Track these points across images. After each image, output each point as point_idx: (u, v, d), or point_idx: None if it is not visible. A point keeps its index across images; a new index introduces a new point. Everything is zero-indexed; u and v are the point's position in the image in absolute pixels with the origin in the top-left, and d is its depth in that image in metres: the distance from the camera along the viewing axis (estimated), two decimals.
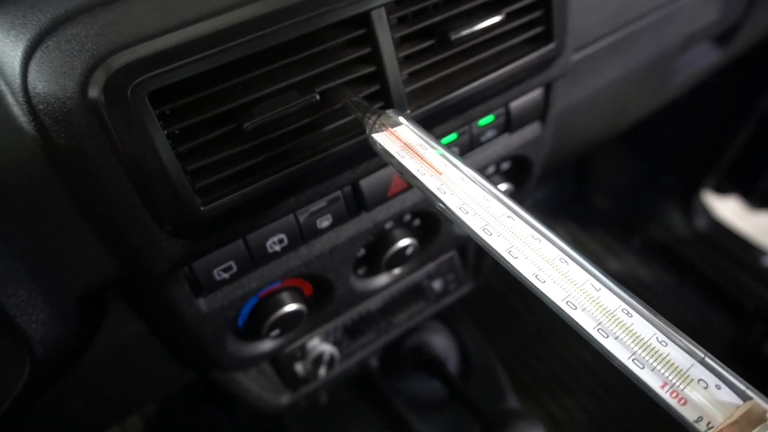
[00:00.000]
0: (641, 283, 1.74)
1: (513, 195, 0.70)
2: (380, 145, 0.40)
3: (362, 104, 0.42)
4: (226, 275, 0.50)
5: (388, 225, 0.63)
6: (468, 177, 0.37)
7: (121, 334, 0.56)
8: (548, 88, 0.63)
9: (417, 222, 0.66)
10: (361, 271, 0.66)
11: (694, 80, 1.04)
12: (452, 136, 0.58)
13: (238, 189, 0.42)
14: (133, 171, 0.39)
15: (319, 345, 0.81)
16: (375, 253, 0.63)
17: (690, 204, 1.76)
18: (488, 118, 0.59)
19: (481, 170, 0.64)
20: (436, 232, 0.67)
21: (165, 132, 0.38)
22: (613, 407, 1.50)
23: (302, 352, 0.80)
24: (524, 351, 1.62)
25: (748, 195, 1.71)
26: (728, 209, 1.77)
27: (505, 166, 0.69)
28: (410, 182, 0.38)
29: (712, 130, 1.63)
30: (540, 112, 0.64)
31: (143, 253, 0.43)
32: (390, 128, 0.40)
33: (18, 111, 0.37)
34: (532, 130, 0.66)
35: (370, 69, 0.45)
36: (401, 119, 0.40)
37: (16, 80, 0.37)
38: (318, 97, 0.43)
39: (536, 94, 0.62)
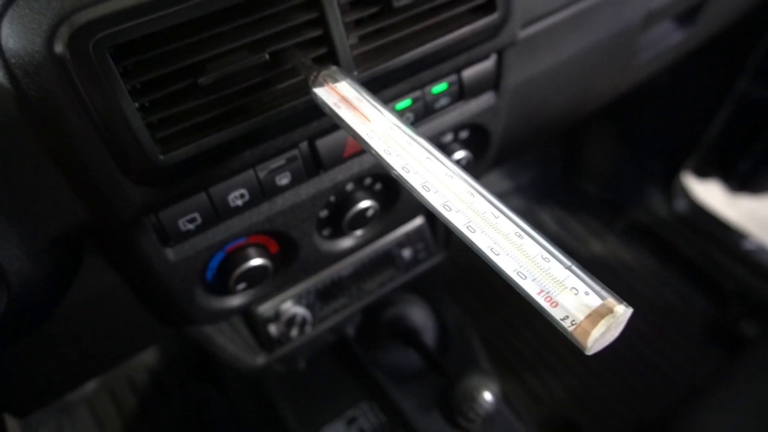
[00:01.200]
0: (624, 264, 1.79)
1: (472, 163, 0.74)
2: (320, 98, 0.44)
3: (308, 64, 0.46)
4: (191, 226, 0.54)
5: (350, 187, 0.67)
6: (394, 125, 0.41)
7: (97, 284, 0.61)
8: (500, 58, 0.66)
9: (378, 186, 0.70)
10: (325, 232, 0.71)
11: (663, 60, 1.08)
12: (407, 102, 0.62)
13: (195, 140, 0.47)
14: (98, 122, 0.43)
15: (291, 308, 0.85)
16: (337, 213, 0.67)
17: (671, 187, 1.79)
18: (441, 86, 0.63)
19: (437, 137, 0.68)
20: (396, 197, 0.72)
21: (127, 86, 0.43)
22: (592, 384, 1.54)
23: (276, 315, 0.85)
24: (507, 331, 1.67)
25: (728, 178, 1.74)
26: (709, 192, 1.81)
27: (464, 135, 0.73)
28: (345, 130, 0.42)
29: (692, 113, 1.66)
30: (493, 82, 0.68)
31: (110, 199, 0.47)
32: (331, 84, 0.44)
33: None
34: (486, 99, 0.69)
35: (318, 32, 0.49)
36: (342, 77, 0.44)
37: None
38: (267, 56, 0.47)
39: (488, 63, 0.66)
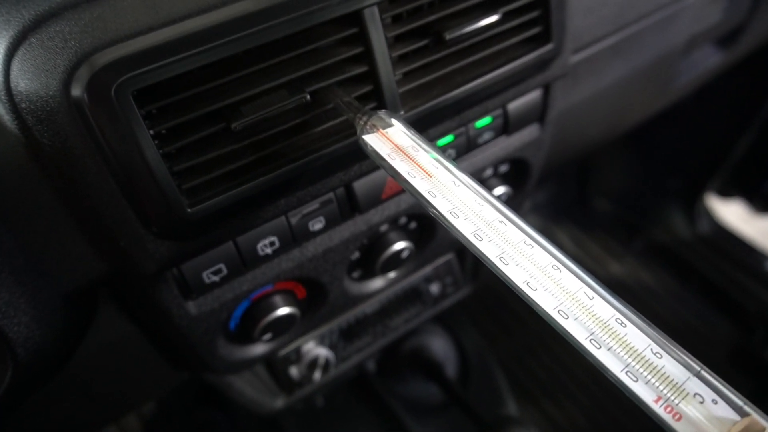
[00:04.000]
0: (643, 286, 1.73)
1: (511, 198, 0.69)
2: (371, 146, 0.39)
3: (354, 105, 0.41)
4: (215, 278, 0.49)
5: (383, 228, 0.62)
6: (460, 180, 0.36)
7: (112, 333, 0.56)
8: (547, 89, 0.62)
9: (413, 225, 0.65)
10: (355, 274, 0.65)
11: (697, 83, 1.03)
12: (449, 138, 0.57)
13: (227, 190, 0.41)
14: (118, 171, 0.38)
15: (314, 349, 0.80)
16: (370, 256, 0.62)
17: (693, 207, 1.74)
18: (485, 120, 0.58)
19: (478, 173, 0.63)
20: (432, 236, 0.66)
21: (151, 132, 0.38)
22: (613, 411, 1.48)
23: (297, 356, 0.79)
24: (526, 355, 1.61)
25: (751, 199, 1.70)
26: (731, 213, 1.76)
27: (503, 168, 0.68)
28: (401, 185, 0.37)
29: (715, 132, 1.61)
30: (538, 114, 0.63)
31: (130, 254, 0.42)
32: (381, 129, 0.39)
33: (0, 109, 0.37)
34: (530, 132, 0.64)
35: (363, 69, 0.44)
36: (393, 120, 0.39)
37: None
38: (309, 96, 0.42)
39: (534, 95, 0.61)
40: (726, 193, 1.74)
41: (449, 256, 0.85)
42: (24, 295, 0.40)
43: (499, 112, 0.59)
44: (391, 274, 0.68)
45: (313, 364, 0.79)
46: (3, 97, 0.36)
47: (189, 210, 0.40)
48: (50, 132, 0.36)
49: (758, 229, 1.72)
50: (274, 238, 0.50)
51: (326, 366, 0.80)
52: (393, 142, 0.38)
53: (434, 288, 0.87)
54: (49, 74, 0.35)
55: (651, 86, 0.88)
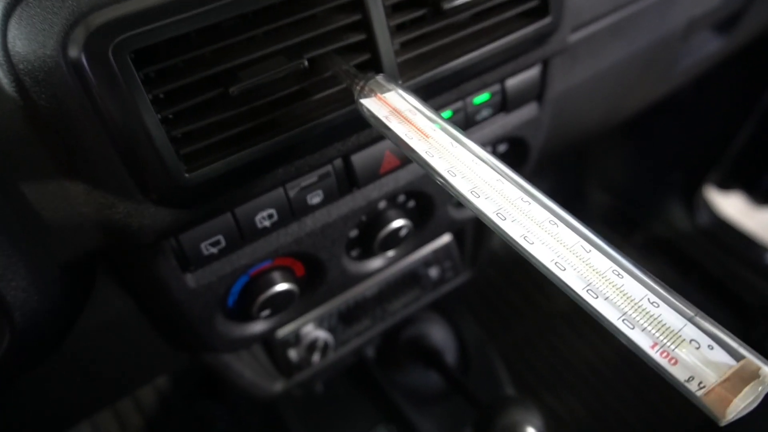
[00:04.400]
0: None
1: None
2: (368, 109, 0.39)
3: (352, 71, 0.41)
4: (214, 250, 0.49)
5: (382, 205, 0.62)
6: (456, 141, 0.36)
7: (110, 310, 0.56)
8: (545, 66, 0.62)
9: (411, 203, 0.65)
10: (354, 252, 0.65)
11: (696, 69, 1.03)
12: (447, 114, 0.57)
13: (225, 156, 0.41)
14: (116, 135, 0.38)
15: (313, 331, 0.80)
16: (368, 233, 0.62)
17: (693, 200, 1.74)
18: (484, 96, 0.58)
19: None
20: (431, 214, 0.66)
21: (149, 95, 0.38)
22: (613, 404, 1.48)
23: (296, 338, 0.79)
24: (525, 347, 1.61)
25: (751, 191, 1.70)
26: (731, 206, 1.76)
27: (502, 148, 0.68)
28: (398, 146, 0.37)
29: (715, 125, 1.61)
30: (537, 92, 0.63)
31: (128, 222, 0.42)
32: (379, 94, 0.39)
33: None
34: (528, 110, 0.64)
35: (361, 37, 0.44)
36: (391, 85, 0.39)
37: None
38: (306, 63, 0.42)
39: (533, 72, 0.61)
40: (726, 185, 1.74)
41: (448, 239, 0.85)
42: (21, 260, 0.39)
43: (497, 88, 0.59)
44: (390, 253, 0.68)
45: (312, 346, 0.79)
46: (1, 59, 0.36)
47: (187, 175, 0.40)
48: (48, 93, 0.36)
49: (759, 222, 1.72)
50: (272, 211, 0.50)
51: (325, 348, 0.80)
52: (391, 106, 0.38)
53: (433, 272, 0.87)
54: (46, 34, 0.35)
55: (650, 71, 0.88)
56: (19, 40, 0.35)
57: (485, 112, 0.60)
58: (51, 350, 0.49)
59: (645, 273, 0.29)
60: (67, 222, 0.42)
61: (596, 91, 0.80)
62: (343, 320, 0.83)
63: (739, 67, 1.43)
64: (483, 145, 0.63)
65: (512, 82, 0.59)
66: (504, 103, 0.60)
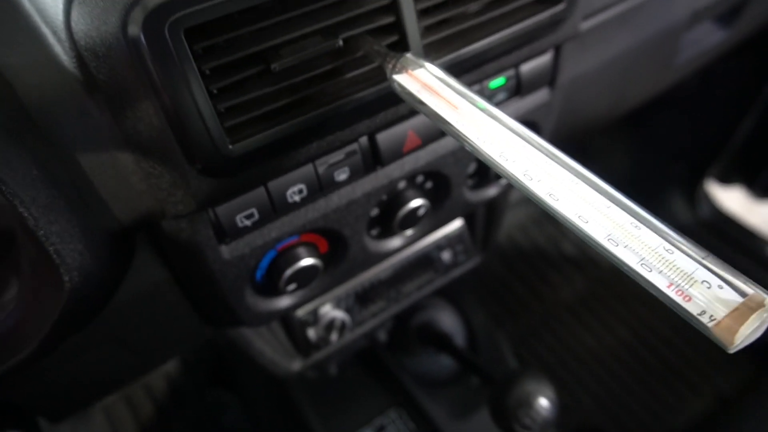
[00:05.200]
0: None
1: None
2: (401, 84, 0.42)
3: (383, 51, 0.45)
4: (248, 222, 0.52)
5: (401, 185, 0.65)
6: (486, 113, 0.39)
7: (146, 280, 0.59)
8: (557, 53, 0.65)
9: (429, 184, 0.68)
10: (374, 231, 0.68)
11: (699, 61, 1.06)
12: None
13: (264, 129, 0.45)
14: (168, 106, 0.41)
15: (331, 311, 0.83)
16: (388, 212, 0.65)
17: (694, 193, 1.77)
18: (499, 81, 0.61)
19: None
20: (447, 194, 0.69)
21: (198, 70, 0.41)
22: (618, 392, 1.51)
23: (315, 318, 0.82)
24: (531, 338, 1.64)
25: (752, 185, 1.72)
26: (732, 199, 1.78)
27: None
28: (430, 118, 0.40)
29: (717, 118, 1.64)
30: (549, 77, 0.66)
31: (173, 191, 0.45)
32: (410, 71, 0.42)
33: (59, 49, 0.40)
34: (541, 95, 0.68)
35: (391, 19, 0.47)
36: (422, 62, 0.42)
37: (59, 18, 0.39)
38: (341, 42, 0.45)
39: (546, 58, 0.64)
40: (727, 179, 1.77)
41: (460, 224, 0.88)
42: (78, 225, 0.43)
43: (512, 73, 0.62)
44: (408, 232, 0.71)
45: (330, 326, 0.82)
46: (63, 37, 0.39)
47: (231, 147, 0.43)
48: (107, 68, 0.39)
49: (759, 215, 1.75)
50: (302, 186, 0.53)
51: (342, 328, 0.83)
52: (421, 81, 0.41)
53: (446, 255, 0.90)
54: (107, 13, 0.38)
55: (654, 61, 0.91)
56: (83, 17, 0.39)
57: (501, 96, 0.63)
58: (96, 313, 0.52)
59: (662, 222, 0.32)
60: (117, 190, 0.45)
61: (603, 79, 0.83)
62: (360, 301, 0.86)
63: (741, 61, 1.46)
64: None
65: (526, 68, 0.62)
66: (518, 88, 0.63)
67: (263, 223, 0.54)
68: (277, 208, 0.53)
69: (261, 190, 0.51)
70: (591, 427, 1.45)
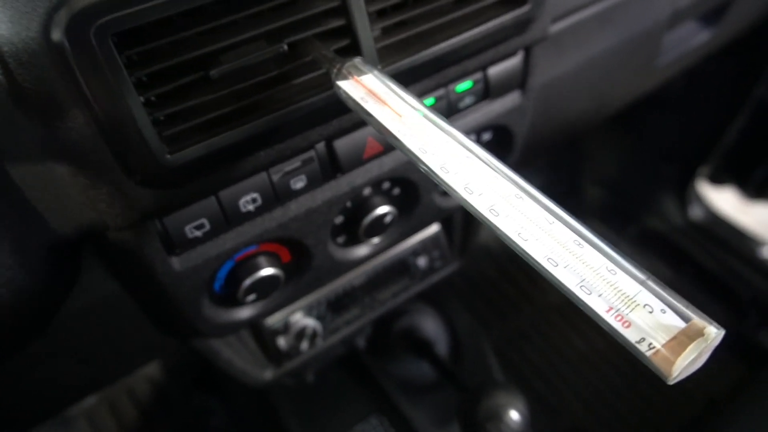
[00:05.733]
0: None
1: None
2: (345, 91, 0.40)
3: (330, 56, 0.43)
4: (198, 233, 0.50)
5: (367, 192, 0.63)
6: (428, 119, 0.37)
7: (97, 293, 0.57)
8: (527, 55, 0.63)
9: (396, 190, 0.66)
10: (340, 239, 0.66)
11: (684, 62, 1.04)
12: (430, 101, 0.58)
13: (206, 139, 0.43)
14: (100, 116, 0.39)
15: (301, 319, 0.81)
16: (353, 220, 0.63)
17: (685, 194, 1.75)
18: (466, 84, 0.59)
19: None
20: (416, 202, 0.67)
21: (133, 78, 0.39)
22: (607, 395, 1.50)
23: (285, 327, 0.80)
24: (519, 339, 1.62)
25: (744, 185, 1.71)
26: (724, 200, 1.77)
27: (487, 136, 0.69)
28: (373, 127, 0.38)
29: (707, 118, 1.62)
30: (519, 81, 0.64)
31: (112, 202, 0.43)
32: (356, 77, 0.40)
33: None
34: (512, 99, 0.65)
35: (340, 22, 0.45)
36: (368, 68, 0.40)
37: None
38: (286, 47, 0.43)
39: (515, 61, 0.62)
40: (718, 179, 1.75)
41: (435, 228, 0.86)
42: (7, 239, 0.41)
43: (479, 76, 0.60)
44: (375, 240, 0.69)
45: (301, 334, 0.80)
46: None
47: (168, 157, 0.41)
48: (32, 76, 0.37)
49: (751, 216, 1.73)
50: (256, 195, 0.51)
51: (314, 337, 0.81)
52: (367, 88, 0.39)
53: (422, 261, 0.88)
54: (29, 17, 0.36)
55: (636, 61, 0.89)
56: (3, 23, 0.36)
57: (468, 100, 0.61)
58: (39, 330, 0.50)
59: (605, 242, 0.30)
60: (54, 203, 0.43)
61: (582, 81, 0.81)
62: (332, 309, 0.84)
63: (730, 61, 1.44)
64: (467, 132, 0.64)
65: (494, 70, 0.60)
66: (487, 91, 0.61)
67: (216, 233, 0.52)
68: (229, 218, 0.51)
69: (212, 200, 0.49)
70: (579, 431, 1.44)
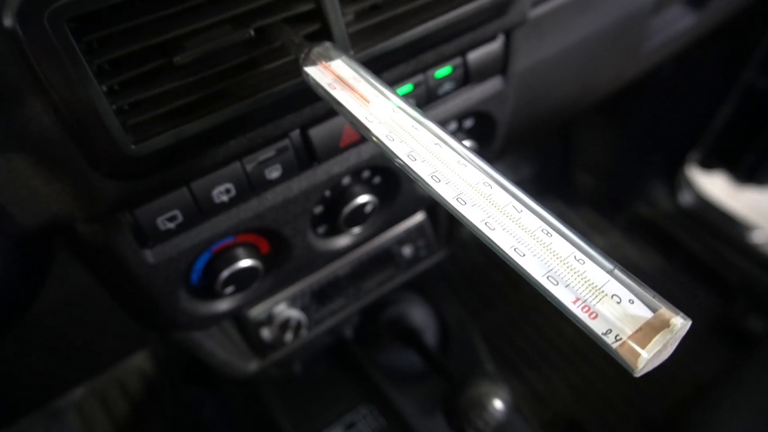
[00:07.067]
0: (627, 260, 1.74)
1: (477, 153, 0.69)
2: (312, 78, 0.38)
3: (298, 41, 0.41)
4: (171, 225, 0.49)
5: (346, 181, 0.62)
6: (398, 107, 0.36)
7: (72, 286, 0.55)
8: (508, 39, 0.61)
9: (377, 179, 0.65)
10: (320, 229, 0.65)
11: (671, 46, 1.03)
12: (408, 87, 0.56)
13: (172, 128, 0.41)
14: (60, 106, 0.37)
15: (285, 310, 0.80)
16: (333, 209, 0.62)
17: (675, 180, 1.75)
18: (445, 70, 0.58)
19: (441, 125, 0.63)
20: (397, 191, 0.66)
21: (92, 66, 0.37)
22: (595, 382, 1.50)
23: (268, 318, 0.80)
24: (508, 327, 1.63)
25: (733, 170, 1.71)
26: (714, 185, 1.77)
27: (468, 123, 0.67)
28: (341, 114, 0.37)
29: (696, 104, 1.62)
30: (500, 66, 0.63)
31: (78, 194, 0.42)
32: (324, 62, 0.39)
33: None
34: (493, 84, 0.64)
35: (309, 6, 0.43)
36: (336, 53, 0.39)
37: None
38: (252, 32, 0.41)
39: (495, 45, 0.60)
40: (708, 165, 1.75)
41: (420, 217, 0.85)
42: None
43: (459, 61, 0.58)
44: (356, 230, 0.68)
45: (285, 325, 0.80)
46: None
47: (133, 147, 0.40)
48: None
49: (741, 201, 1.73)
50: (229, 185, 0.50)
51: (298, 328, 0.81)
52: (335, 74, 0.38)
53: (407, 251, 0.87)
54: None
55: (621, 47, 0.88)
56: None
57: (447, 86, 0.59)
58: (12, 322, 0.48)
59: (573, 231, 0.29)
60: (16, 195, 0.42)
61: (566, 66, 0.80)
62: (317, 299, 0.83)
63: (718, 46, 1.43)
64: (447, 120, 0.63)
65: (474, 56, 0.59)
66: (467, 77, 0.60)
67: (190, 225, 0.51)
68: (203, 209, 0.50)
69: (183, 190, 0.48)
70: (567, 418, 1.44)
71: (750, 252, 1.62)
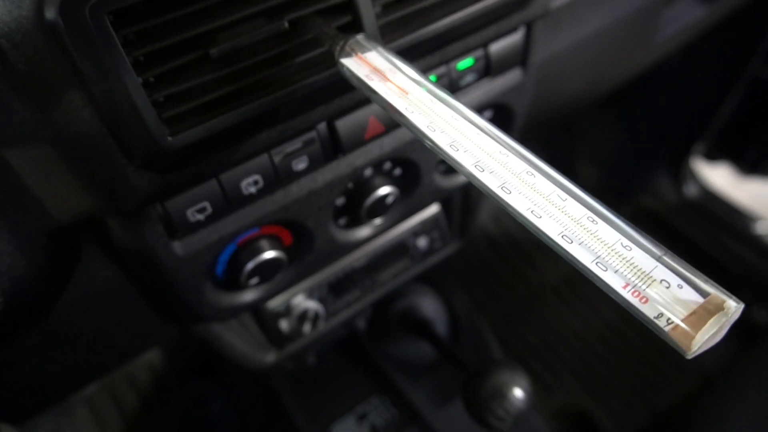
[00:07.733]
0: None
1: None
2: (348, 69, 0.39)
3: (332, 33, 0.41)
4: (200, 216, 0.49)
5: (368, 173, 0.62)
6: (436, 97, 0.36)
7: (97, 280, 0.56)
8: (528, 31, 0.62)
9: (398, 171, 0.65)
10: (342, 221, 0.66)
11: (681, 38, 1.03)
12: (431, 79, 0.57)
13: (207, 120, 0.42)
14: (97, 98, 0.38)
15: (303, 302, 0.81)
16: (355, 201, 0.63)
17: (680, 172, 1.76)
18: (468, 62, 0.58)
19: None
20: (417, 182, 0.67)
21: (130, 58, 0.37)
22: (602, 372, 1.51)
23: (287, 309, 0.80)
24: (514, 319, 1.64)
25: (738, 162, 1.71)
26: (718, 177, 1.77)
27: (487, 115, 0.68)
28: (378, 104, 0.37)
29: (701, 95, 1.62)
30: (520, 57, 0.63)
31: (112, 187, 0.42)
32: (360, 54, 0.39)
33: None
34: (513, 76, 0.65)
35: None
36: (372, 45, 0.40)
37: None
38: (287, 24, 0.42)
39: (516, 37, 0.61)
40: (712, 156, 1.75)
41: (436, 210, 0.86)
42: (6, 226, 0.40)
43: (480, 53, 0.59)
44: (377, 221, 0.69)
45: (303, 317, 0.80)
46: None
47: (170, 139, 0.40)
48: (25, 56, 0.36)
49: (745, 192, 1.74)
50: (257, 177, 0.51)
51: (315, 319, 0.81)
52: (371, 65, 0.39)
53: (422, 242, 0.88)
54: None
55: (634, 38, 0.88)
56: None
57: (469, 78, 0.60)
58: (40, 318, 0.49)
59: (619, 218, 0.29)
60: (53, 189, 0.42)
61: (580, 58, 0.80)
62: (333, 291, 0.84)
63: (724, 38, 1.43)
64: None
65: (496, 47, 0.59)
66: (488, 69, 0.60)
67: (218, 217, 0.51)
68: (231, 200, 0.50)
69: (213, 182, 0.49)
70: (575, 408, 1.46)
71: (754, 243, 1.63)
